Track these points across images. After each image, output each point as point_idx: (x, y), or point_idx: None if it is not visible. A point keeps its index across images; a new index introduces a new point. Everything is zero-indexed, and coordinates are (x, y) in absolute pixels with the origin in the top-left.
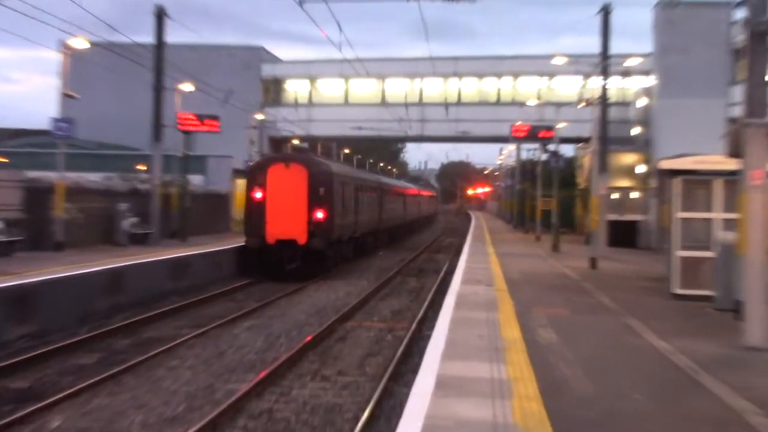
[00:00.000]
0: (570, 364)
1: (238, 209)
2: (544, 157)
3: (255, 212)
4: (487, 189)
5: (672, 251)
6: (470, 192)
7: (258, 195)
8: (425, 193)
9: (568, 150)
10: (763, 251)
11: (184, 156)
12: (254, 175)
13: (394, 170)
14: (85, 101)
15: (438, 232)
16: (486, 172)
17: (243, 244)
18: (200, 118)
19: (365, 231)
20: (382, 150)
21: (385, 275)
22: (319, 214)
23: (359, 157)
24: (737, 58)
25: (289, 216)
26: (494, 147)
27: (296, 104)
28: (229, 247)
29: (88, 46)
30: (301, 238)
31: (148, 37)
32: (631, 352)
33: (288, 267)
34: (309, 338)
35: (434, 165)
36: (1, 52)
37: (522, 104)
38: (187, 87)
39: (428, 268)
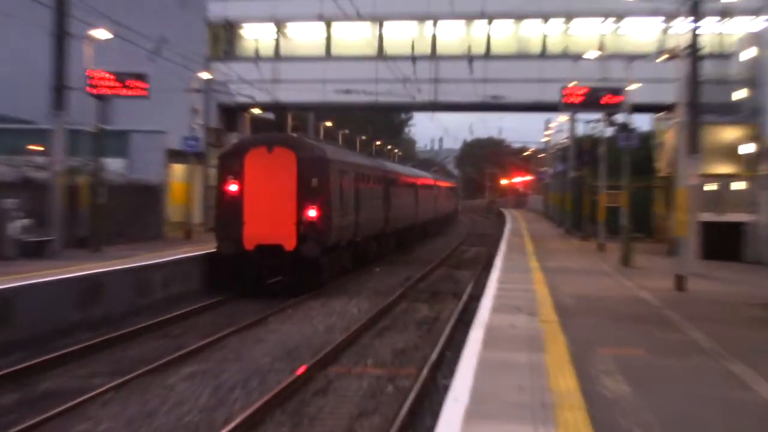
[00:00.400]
0: (649, 429)
1: (175, 206)
2: (608, 132)
3: (229, 210)
4: (527, 178)
5: None
6: (504, 182)
7: (232, 188)
8: (442, 183)
9: (642, 122)
10: None
11: (98, 131)
12: (227, 162)
13: (397, 151)
14: None
15: (459, 237)
16: (526, 154)
17: (205, 251)
18: (120, 77)
19: (368, 234)
20: (379, 123)
21: (386, 298)
22: (312, 212)
23: (346, 132)
24: None
25: (272, 215)
26: (538, 119)
27: (257, 58)
28: (169, 259)
29: None
30: (289, 243)
31: None
32: (737, 411)
33: (268, 281)
34: (275, 390)
35: (452, 144)
36: None
37: (577, 57)
38: (101, 34)
39: (445, 290)
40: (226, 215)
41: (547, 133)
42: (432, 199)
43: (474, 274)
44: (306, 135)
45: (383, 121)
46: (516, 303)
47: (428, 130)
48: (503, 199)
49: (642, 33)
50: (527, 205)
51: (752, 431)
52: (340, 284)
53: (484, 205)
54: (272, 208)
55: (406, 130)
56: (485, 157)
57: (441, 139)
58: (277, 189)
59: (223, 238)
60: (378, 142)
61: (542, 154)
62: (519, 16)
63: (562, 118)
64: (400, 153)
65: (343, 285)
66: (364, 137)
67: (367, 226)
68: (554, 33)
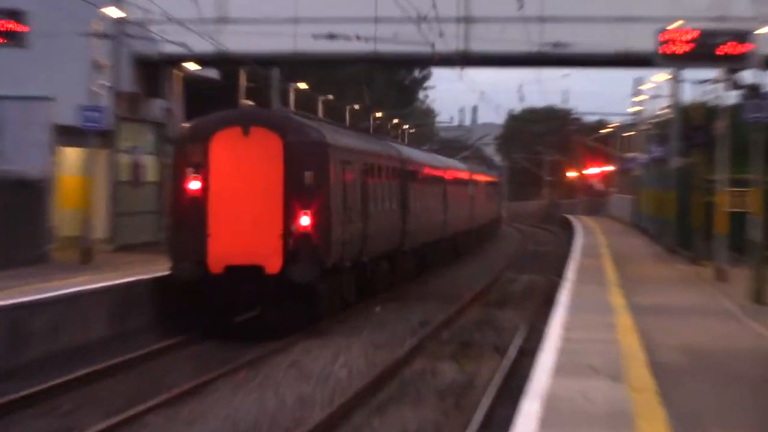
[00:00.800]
0: None
1: (67, 212)
2: (731, 98)
3: (187, 218)
4: (607, 168)
5: None
6: (571, 174)
7: (193, 186)
8: (479, 177)
9: None
10: None
11: None
12: (185, 149)
13: (407, 128)
14: None
15: (504, 258)
16: (605, 132)
17: (146, 277)
18: None
19: (378, 252)
20: (381, 85)
21: (393, 352)
22: (305, 220)
23: (329, 98)
24: None
25: (249, 223)
26: (622, 79)
27: None
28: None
29: None
30: (272, 264)
31: None
32: None
33: (237, 316)
34: None
35: (492, 116)
36: None
37: None
38: None
39: (482, 341)
40: (184, 225)
41: (637, 100)
42: (466, 201)
43: (526, 316)
44: (292, 110)
45: (387, 83)
46: (591, 361)
47: (456, 96)
48: (570, 200)
49: None
50: (607, 210)
51: None
52: (338, 321)
53: (542, 209)
54: (249, 214)
55: (422, 95)
56: (542, 138)
57: (475, 110)
58: (255, 187)
59: (179, 258)
60: (378, 114)
61: (629, 132)
62: None
63: (660, 78)
64: (411, 130)
65: (343, 323)
66: (357, 107)
67: (378, 241)
68: None
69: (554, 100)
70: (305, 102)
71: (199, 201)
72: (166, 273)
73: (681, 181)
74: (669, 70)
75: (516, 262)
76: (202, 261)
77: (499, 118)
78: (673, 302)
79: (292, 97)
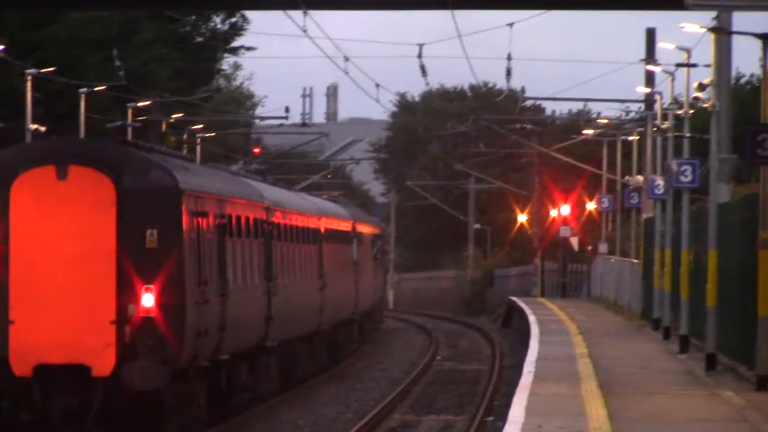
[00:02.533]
0: None
1: None
2: None
3: None
4: (590, 207)
5: None
6: (521, 218)
7: None
8: (363, 228)
9: None
10: None
11: None
12: None
13: (199, 129)
14: None
15: (391, 380)
16: (589, 134)
17: None
18: None
19: (238, 348)
20: (148, 50)
21: None
22: (147, 299)
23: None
24: None
25: (68, 306)
26: (620, 34)
27: None
28: None
29: None
30: (101, 363)
31: None
32: None
33: None
34: None
35: (363, 108)
36: None
37: None
38: None
39: None
40: None
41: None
42: (349, 271)
43: None
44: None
45: (160, 41)
46: None
47: (297, 71)
48: (523, 268)
49: None
50: (590, 286)
51: None
52: None
53: (466, 287)
54: (68, 291)
55: (230, 68)
56: (466, 146)
57: (334, 93)
58: (77, 253)
59: None
60: (145, 103)
61: (632, 137)
62: None
63: (692, 28)
64: (207, 134)
65: None
66: (83, 92)
67: (239, 331)
68: None
69: (487, 76)
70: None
71: None
72: None
73: (732, 231)
74: (705, 20)
75: (416, 390)
76: (2, 358)
77: (380, 112)
78: None
79: None
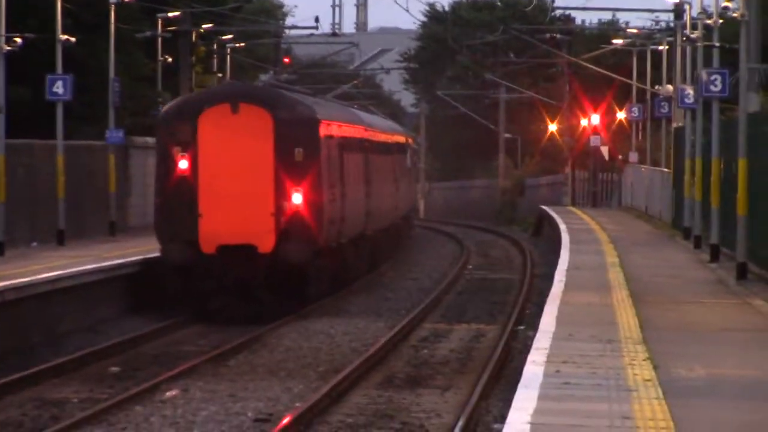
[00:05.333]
0: None
1: None
2: None
3: (177, 198)
4: (620, 116)
5: None
6: (552, 127)
7: (182, 165)
8: (392, 137)
9: None
10: None
11: None
12: (171, 127)
13: (229, 40)
14: None
15: (422, 289)
16: (618, 44)
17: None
18: None
19: (352, 235)
20: None
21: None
22: (297, 198)
23: None
24: None
25: (240, 202)
26: None
27: None
28: None
29: None
30: (265, 243)
31: None
32: None
33: (213, 305)
34: None
35: (393, 18)
36: None
37: None
38: None
39: None
40: (174, 205)
41: None
42: (391, 177)
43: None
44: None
45: None
46: None
47: None
48: (553, 177)
49: None
50: (621, 196)
51: None
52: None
53: (497, 197)
54: (240, 192)
55: None
56: (494, 55)
57: (364, 3)
58: (245, 165)
59: (169, 239)
60: (170, 14)
61: (661, 46)
62: None
63: None
64: (237, 44)
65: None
66: (113, 2)
67: (353, 222)
68: None
69: None
70: None
71: (189, 181)
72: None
73: (762, 138)
74: None
75: (447, 299)
76: (193, 241)
77: (409, 22)
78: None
79: None
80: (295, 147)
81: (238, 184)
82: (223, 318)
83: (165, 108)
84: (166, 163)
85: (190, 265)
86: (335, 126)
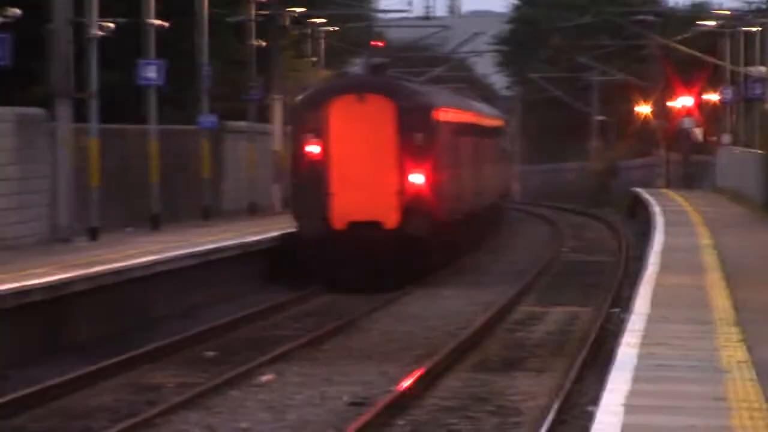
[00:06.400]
0: None
1: None
2: None
3: (310, 179)
4: (712, 98)
5: None
6: (643, 110)
7: (314, 150)
8: (487, 121)
9: None
10: None
11: None
12: (304, 115)
13: (322, 24)
14: None
15: (516, 271)
16: (708, 25)
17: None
18: None
19: (466, 212)
20: None
21: None
22: (418, 178)
23: None
24: None
25: (367, 183)
26: None
27: None
28: None
29: None
30: (390, 219)
31: None
32: None
33: (342, 275)
34: None
35: (485, 2)
36: None
37: None
38: None
39: None
40: (307, 186)
41: None
42: (490, 160)
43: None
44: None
45: None
46: None
47: None
48: (645, 160)
49: None
50: (713, 178)
51: None
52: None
53: (588, 180)
54: (366, 174)
55: None
56: (586, 38)
57: None
58: (371, 149)
59: (304, 216)
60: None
61: (755, 28)
62: None
63: None
64: (331, 29)
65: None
66: None
67: (466, 200)
68: None
69: None
70: None
71: (321, 163)
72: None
73: None
74: None
75: (542, 281)
76: (325, 218)
77: (501, 5)
78: None
79: None
80: (416, 132)
81: (364, 166)
82: (351, 287)
83: (299, 98)
84: (301, 148)
85: (323, 240)
86: (449, 113)
